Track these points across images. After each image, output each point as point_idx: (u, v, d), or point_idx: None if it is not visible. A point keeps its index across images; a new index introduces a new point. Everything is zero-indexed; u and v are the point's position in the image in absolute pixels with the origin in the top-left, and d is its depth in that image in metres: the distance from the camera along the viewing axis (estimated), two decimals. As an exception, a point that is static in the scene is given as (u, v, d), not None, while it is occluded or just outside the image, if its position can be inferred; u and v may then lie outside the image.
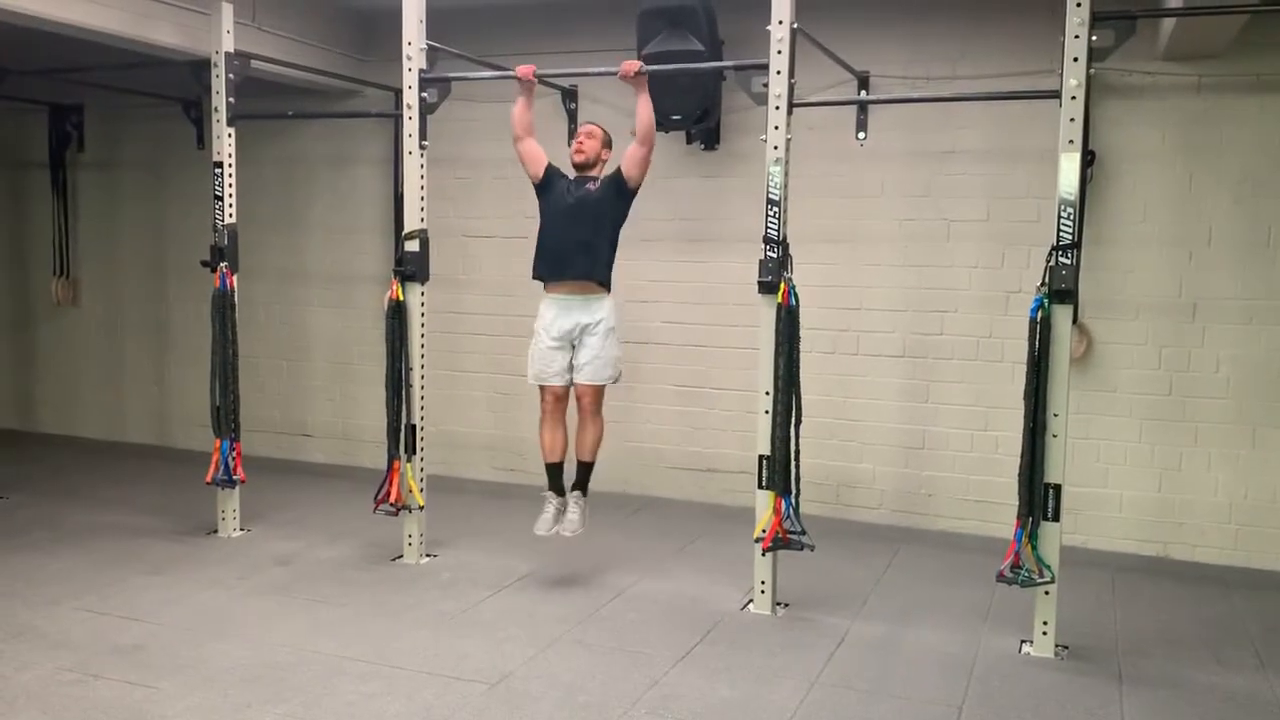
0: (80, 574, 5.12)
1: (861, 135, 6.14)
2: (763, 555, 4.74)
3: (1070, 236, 4.23)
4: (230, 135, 5.68)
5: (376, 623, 4.57)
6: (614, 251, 5.06)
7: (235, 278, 5.73)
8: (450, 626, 4.54)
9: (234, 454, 5.72)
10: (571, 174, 5.11)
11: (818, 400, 6.02)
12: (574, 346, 5.04)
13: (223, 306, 5.68)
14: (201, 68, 5.76)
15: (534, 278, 5.12)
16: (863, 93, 6.13)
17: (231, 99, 5.65)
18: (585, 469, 5.19)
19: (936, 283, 6.14)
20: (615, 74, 5.05)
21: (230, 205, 5.70)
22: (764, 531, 4.70)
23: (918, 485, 6.26)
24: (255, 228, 7.01)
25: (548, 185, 5.08)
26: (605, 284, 5.02)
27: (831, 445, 6.33)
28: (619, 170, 4.99)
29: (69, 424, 8.63)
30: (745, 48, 6.09)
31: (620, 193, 5.00)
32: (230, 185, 5.69)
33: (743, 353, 6.56)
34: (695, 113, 6.15)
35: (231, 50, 5.62)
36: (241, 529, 5.88)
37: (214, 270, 5.69)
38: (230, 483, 5.73)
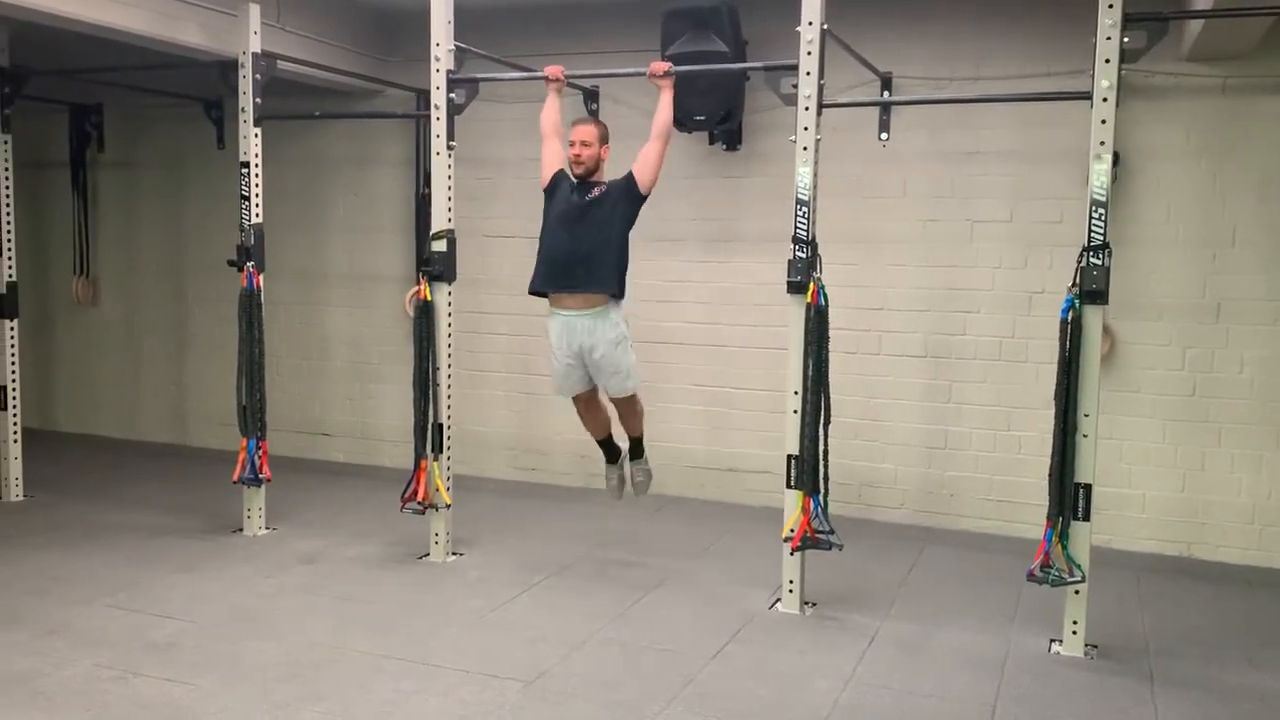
0: (110, 572, 5.14)
1: (884, 136, 6.14)
2: (791, 554, 4.76)
3: (1101, 237, 4.25)
4: (257, 135, 5.69)
5: (408, 621, 4.60)
6: (624, 258, 4.89)
7: (261, 277, 5.74)
8: (482, 625, 4.57)
9: (260, 453, 5.73)
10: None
11: (840, 400, 5.96)
12: (586, 364, 4.95)
13: (249, 306, 5.70)
14: (228, 68, 5.77)
15: (530, 292, 5.00)
16: (885, 93, 6.14)
17: (258, 99, 5.67)
18: (637, 442, 5.31)
19: (959, 283, 6.16)
20: (643, 74, 5.08)
21: (257, 205, 5.72)
22: (792, 531, 4.72)
23: (940, 485, 6.28)
24: (276, 227, 6.97)
25: (552, 191, 4.99)
26: (613, 293, 4.86)
27: (854, 445, 6.32)
28: (630, 176, 4.87)
29: (87, 423, 8.66)
30: (769, 48, 6.11)
31: (631, 198, 4.86)
32: (257, 185, 5.71)
33: (764, 352, 6.59)
34: (719, 113, 6.16)
35: (259, 51, 5.64)
36: (267, 528, 5.89)
37: (240, 270, 5.71)
38: (256, 481, 5.75)
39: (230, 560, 5.39)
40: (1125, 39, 4.17)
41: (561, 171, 5.03)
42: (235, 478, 5.71)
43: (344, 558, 5.47)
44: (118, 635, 4.34)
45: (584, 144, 4.88)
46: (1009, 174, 6.03)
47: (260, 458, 5.73)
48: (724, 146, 6.60)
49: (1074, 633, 4.36)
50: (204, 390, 8.21)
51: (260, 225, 5.73)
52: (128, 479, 7.23)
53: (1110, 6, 4.14)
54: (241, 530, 5.85)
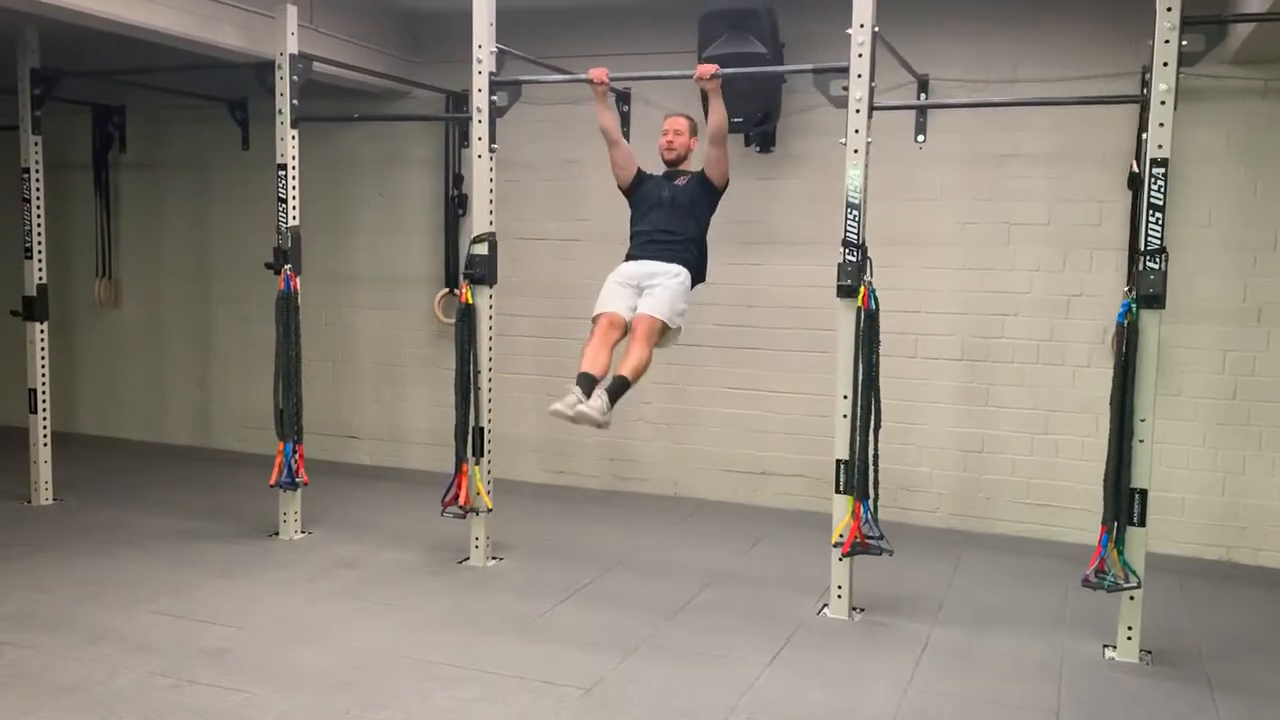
0: (151, 577, 5.11)
1: (921, 138, 6.12)
2: (840, 560, 4.74)
3: (1158, 241, 4.23)
4: (294, 137, 5.66)
5: (457, 626, 4.56)
6: (705, 246, 5.07)
7: (299, 279, 5.71)
8: (532, 630, 4.54)
9: (296, 456, 5.70)
10: (657, 170, 5.14)
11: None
12: (641, 291, 4.86)
13: (286, 309, 5.66)
14: (264, 69, 5.75)
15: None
16: (923, 95, 6.12)
17: (295, 100, 5.64)
18: (621, 382, 4.63)
19: (996, 286, 6.13)
20: (684, 77, 5.09)
21: (294, 207, 5.69)
22: (842, 536, 4.69)
23: (976, 488, 6.25)
24: (302, 229, 6.98)
25: (638, 188, 5.12)
26: (695, 274, 5.01)
27: (889, 448, 6.16)
28: (704, 174, 5.00)
29: (109, 425, 8.59)
30: (806, 49, 6.11)
31: (709, 191, 5.02)
32: (294, 187, 5.68)
33: (797, 355, 6.58)
34: (756, 115, 6.15)
35: (296, 52, 5.61)
36: (302, 531, 5.86)
37: (278, 272, 5.67)
38: (293, 485, 5.71)
39: (270, 565, 5.35)
40: (1184, 42, 4.14)
41: (642, 170, 5.14)
42: (272, 481, 5.67)
43: (384, 562, 5.44)
44: (166, 642, 4.30)
45: (676, 132, 5.08)
46: (1047, 176, 6.01)
47: (297, 461, 5.70)
48: (758, 149, 6.57)
49: (1129, 638, 4.34)
50: (228, 393, 8.18)
51: (297, 227, 5.70)
52: (154, 482, 7.18)
53: (1169, 10, 4.11)
54: (277, 534, 5.82)
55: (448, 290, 7.33)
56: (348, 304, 7.76)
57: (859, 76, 4.59)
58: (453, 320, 7.19)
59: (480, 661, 4.16)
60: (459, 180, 7.27)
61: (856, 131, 4.60)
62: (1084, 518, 5.96)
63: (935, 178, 6.22)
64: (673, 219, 4.98)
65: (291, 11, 5.58)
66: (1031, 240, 6.06)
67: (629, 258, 5.05)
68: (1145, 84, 5.62)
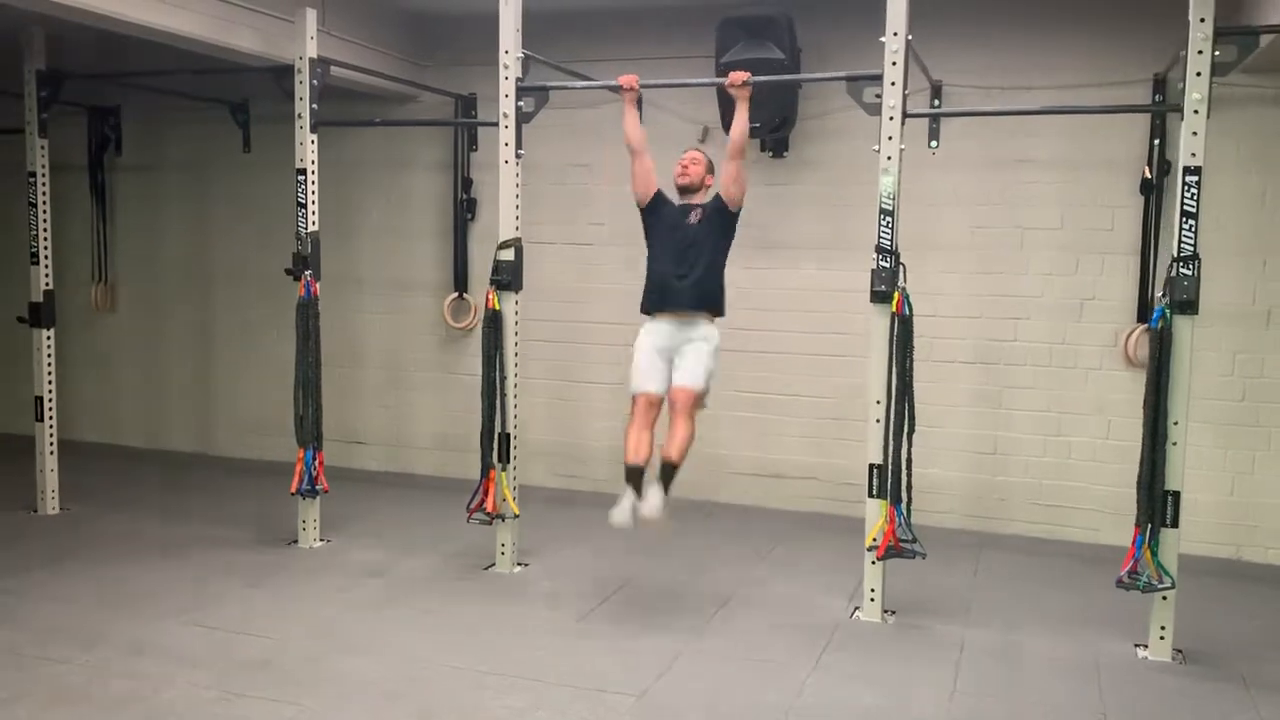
0: (176, 587, 5.05)
1: (934, 144, 6.17)
2: (874, 563, 4.78)
3: (1191, 248, 4.30)
4: (313, 141, 5.62)
5: (495, 634, 4.55)
6: (723, 278, 4.97)
7: (318, 285, 5.66)
8: (570, 638, 4.54)
9: (316, 464, 5.65)
10: (674, 196, 5.02)
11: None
12: (673, 360, 4.90)
13: (306, 315, 5.62)
14: (281, 73, 5.69)
15: (643, 312, 4.99)
16: (936, 101, 6.18)
17: (314, 105, 5.59)
18: (670, 469, 4.78)
19: (1009, 290, 6.21)
20: (715, 84, 5.10)
21: (313, 212, 5.64)
22: (875, 540, 4.73)
23: (990, 490, 6.33)
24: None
25: (654, 212, 5.00)
26: (714, 313, 4.93)
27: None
28: (718, 196, 4.92)
29: (108, 432, 8.46)
30: (822, 56, 6.16)
31: (724, 218, 4.92)
32: (313, 192, 5.64)
33: (808, 358, 6.63)
34: (773, 121, 6.18)
35: (315, 56, 5.57)
36: (321, 539, 5.81)
37: (297, 279, 5.62)
38: (314, 493, 5.67)
39: (295, 573, 5.31)
40: (1216, 52, 4.21)
41: (662, 193, 5.02)
42: (293, 489, 5.61)
43: (410, 569, 5.41)
44: (207, 653, 4.25)
45: (694, 161, 4.99)
46: (1059, 181, 6.10)
47: (317, 468, 5.65)
48: (771, 154, 6.60)
49: (1161, 638, 4.42)
50: (229, 398, 8.10)
51: (317, 233, 5.66)
52: (159, 489, 7.11)
53: (1202, 20, 4.18)
54: (296, 542, 5.77)
55: (457, 294, 7.30)
56: (354, 309, 7.69)
57: (892, 84, 4.63)
58: (462, 325, 7.28)
59: (527, 669, 4.15)
60: (468, 184, 7.25)
61: (890, 138, 4.65)
62: (1097, 518, 6.07)
63: (949, 182, 6.28)
64: (693, 262, 4.86)
65: (311, 15, 5.54)
66: (1044, 244, 6.14)
67: (649, 305, 4.94)
68: (1157, 91, 5.80)
